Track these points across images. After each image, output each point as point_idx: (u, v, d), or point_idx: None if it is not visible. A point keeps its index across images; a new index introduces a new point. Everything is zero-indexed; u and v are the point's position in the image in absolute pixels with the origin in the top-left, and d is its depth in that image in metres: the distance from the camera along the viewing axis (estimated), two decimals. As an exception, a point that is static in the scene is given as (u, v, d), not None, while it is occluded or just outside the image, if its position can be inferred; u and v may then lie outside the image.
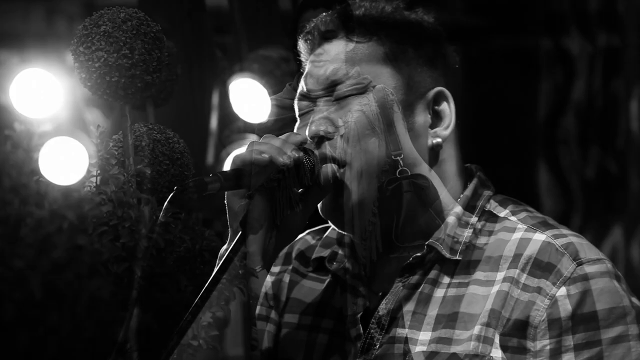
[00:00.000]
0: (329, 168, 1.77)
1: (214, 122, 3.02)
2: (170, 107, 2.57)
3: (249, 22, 3.49)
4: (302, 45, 1.88)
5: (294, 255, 1.96)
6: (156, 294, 1.65)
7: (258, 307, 1.93)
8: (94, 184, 1.76)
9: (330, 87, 1.81)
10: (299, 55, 1.89)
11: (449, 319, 1.75)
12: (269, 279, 1.95)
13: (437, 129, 1.82)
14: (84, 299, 1.35)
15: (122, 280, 1.62)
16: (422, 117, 1.82)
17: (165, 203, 1.67)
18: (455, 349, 1.73)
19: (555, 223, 1.82)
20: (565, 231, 1.79)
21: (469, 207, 1.82)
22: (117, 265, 1.62)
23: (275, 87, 3.75)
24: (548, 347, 1.71)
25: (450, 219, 1.80)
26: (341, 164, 1.78)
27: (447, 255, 1.78)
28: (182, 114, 2.92)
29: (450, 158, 1.85)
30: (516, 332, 1.72)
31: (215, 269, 1.68)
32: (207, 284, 1.66)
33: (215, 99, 3.01)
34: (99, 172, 1.77)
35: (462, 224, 1.81)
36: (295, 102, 1.87)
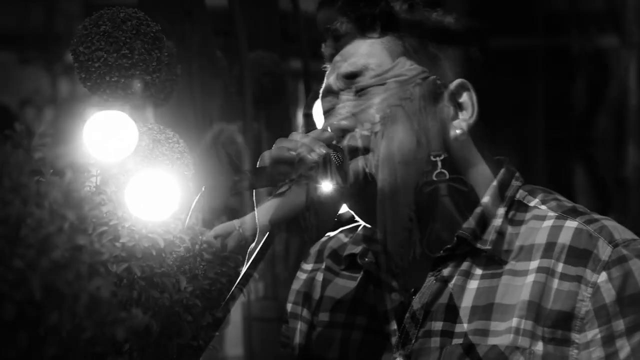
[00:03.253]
0: (359, 164, 1.75)
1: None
2: (170, 107, 2.57)
3: (249, 22, 3.49)
4: (323, 51, 1.88)
5: (326, 253, 1.95)
6: (156, 294, 1.65)
7: (290, 305, 1.93)
8: (94, 184, 1.76)
9: (350, 80, 1.79)
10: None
11: (484, 310, 1.72)
12: (302, 276, 1.95)
13: (458, 120, 1.78)
14: (84, 299, 1.35)
15: (122, 281, 1.63)
16: (444, 110, 1.77)
17: (193, 203, 1.67)
18: (493, 340, 1.69)
19: (585, 210, 1.80)
20: (596, 216, 1.76)
21: (498, 197, 1.80)
22: (117, 265, 1.62)
23: (275, 86, 3.75)
24: (599, 336, 1.69)
25: (479, 210, 1.77)
26: (367, 151, 1.76)
27: (478, 245, 1.76)
28: (182, 114, 2.92)
29: (475, 150, 1.82)
30: (560, 323, 1.70)
31: (245, 266, 1.68)
32: (237, 281, 1.66)
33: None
34: (99, 172, 1.77)
35: (491, 214, 1.78)
36: (320, 101, 1.86)
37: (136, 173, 1.66)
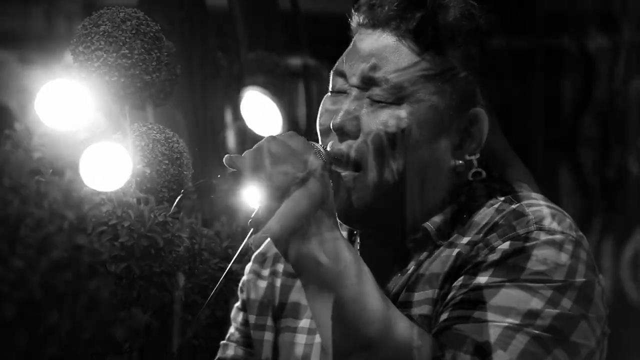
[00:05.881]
0: (385, 166, 1.66)
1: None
2: (170, 107, 2.57)
3: (249, 22, 3.49)
4: (356, 13, 1.74)
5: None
6: (155, 294, 1.65)
7: (254, 317, 1.84)
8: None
9: (365, 82, 1.70)
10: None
11: (413, 282, 1.68)
12: (261, 284, 1.87)
13: (462, 151, 1.71)
14: (84, 299, 1.35)
15: (121, 280, 1.63)
16: (453, 136, 1.70)
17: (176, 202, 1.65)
18: (412, 311, 1.64)
19: (540, 198, 1.69)
20: (544, 202, 1.67)
21: (474, 195, 1.74)
22: (116, 265, 1.62)
23: (274, 86, 3.75)
24: (459, 283, 1.60)
25: (454, 207, 1.71)
26: (359, 167, 1.67)
27: (438, 242, 1.69)
28: (182, 114, 2.92)
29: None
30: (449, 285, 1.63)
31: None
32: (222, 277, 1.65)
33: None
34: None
35: (463, 211, 1.71)
36: (331, 73, 1.75)
37: (89, 145, 1.67)
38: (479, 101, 1.71)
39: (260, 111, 2.46)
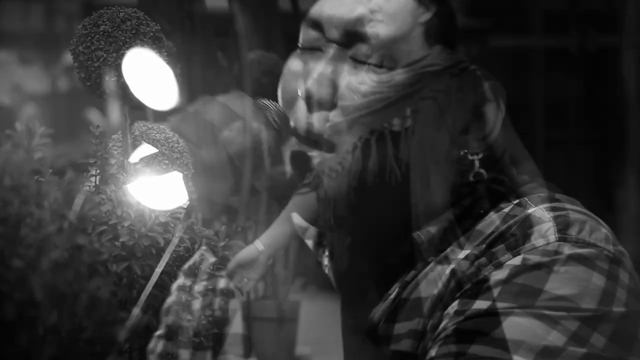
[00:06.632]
0: (387, 161, 1.33)
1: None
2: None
3: (249, 22, 3.49)
4: None
5: None
6: (155, 293, 1.65)
7: (186, 351, 1.54)
8: (94, 184, 1.77)
9: (348, 37, 1.36)
10: None
11: (394, 310, 1.34)
12: (194, 306, 1.57)
13: (471, 137, 1.39)
14: (84, 299, 1.35)
15: (121, 280, 1.63)
16: (457, 124, 1.37)
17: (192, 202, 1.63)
18: (392, 347, 1.32)
19: (568, 201, 1.36)
20: (570, 206, 1.33)
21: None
22: (116, 264, 1.62)
23: (275, 86, 3.75)
24: (453, 309, 1.25)
25: (455, 212, 1.37)
26: (334, 147, 1.35)
27: (429, 258, 1.34)
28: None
29: None
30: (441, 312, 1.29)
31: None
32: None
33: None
34: (98, 172, 1.77)
35: (466, 215, 1.40)
36: (302, 25, 1.45)
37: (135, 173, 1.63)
38: (488, 95, 1.39)
39: (148, 74, 1.89)
